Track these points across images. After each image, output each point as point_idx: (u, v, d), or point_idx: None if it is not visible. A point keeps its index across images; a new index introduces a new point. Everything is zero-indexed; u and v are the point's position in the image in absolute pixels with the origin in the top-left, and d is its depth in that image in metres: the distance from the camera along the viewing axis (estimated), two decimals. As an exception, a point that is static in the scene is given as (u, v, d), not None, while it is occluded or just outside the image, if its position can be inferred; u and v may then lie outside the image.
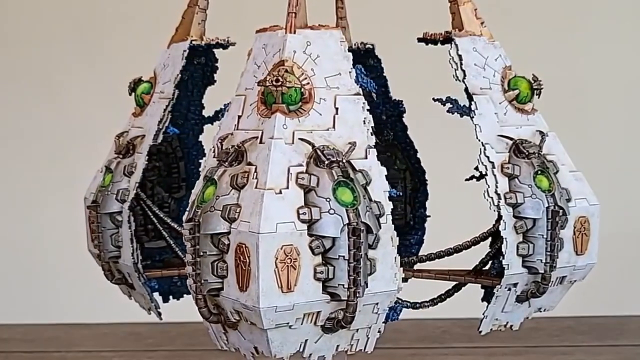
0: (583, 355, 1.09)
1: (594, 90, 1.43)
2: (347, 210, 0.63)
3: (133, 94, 0.83)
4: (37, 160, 1.41)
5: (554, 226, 0.72)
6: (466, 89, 0.74)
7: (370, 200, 0.65)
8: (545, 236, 0.72)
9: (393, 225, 0.66)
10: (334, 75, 0.68)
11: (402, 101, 0.88)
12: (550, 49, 1.40)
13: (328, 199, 0.62)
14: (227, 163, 0.65)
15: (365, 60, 0.88)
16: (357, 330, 0.67)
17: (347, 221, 0.62)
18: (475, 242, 0.79)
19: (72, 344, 1.16)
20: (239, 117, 0.68)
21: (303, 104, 0.65)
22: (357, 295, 0.63)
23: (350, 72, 0.68)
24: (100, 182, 0.79)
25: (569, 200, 0.74)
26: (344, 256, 0.62)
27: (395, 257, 0.66)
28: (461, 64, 0.74)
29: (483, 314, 0.73)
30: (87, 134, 1.37)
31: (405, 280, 0.84)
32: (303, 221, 0.62)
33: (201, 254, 0.64)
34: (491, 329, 0.75)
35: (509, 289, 0.73)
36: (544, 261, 0.72)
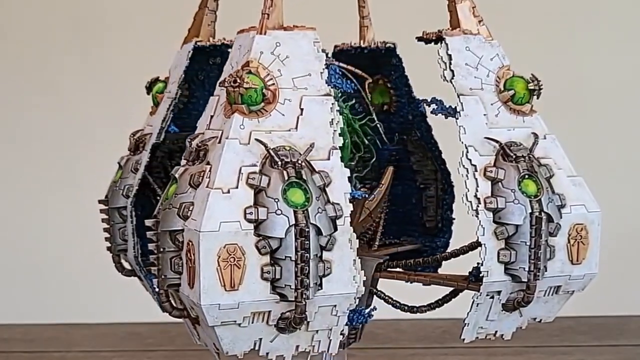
0: (583, 355, 1.08)
1: (598, 92, 1.40)
2: (295, 212, 0.62)
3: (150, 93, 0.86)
4: (37, 161, 1.41)
5: (538, 233, 0.69)
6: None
7: (327, 201, 0.64)
8: (528, 243, 0.69)
9: (352, 228, 0.65)
10: (303, 76, 0.68)
11: (420, 101, 0.87)
12: (555, 49, 1.38)
13: (276, 200, 0.63)
14: (189, 162, 0.66)
15: (388, 59, 0.87)
16: (317, 331, 0.67)
17: (294, 222, 0.62)
18: (472, 247, 0.77)
19: (72, 344, 1.17)
20: (211, 117, 0.69)
21: (266, 105, 0.66)
22: (304, 296, 0.63)
23: (321, 73, 0.68)
24: (113, 178, 0.83)
25: (562, 206, 0.71)
26: (290, 257, 0.62)
27: (355, 260, 0.65)
28: (450, 63, 0.72)
29: (464, 321, 0.71)
30: (87, 133, 1.38)
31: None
32: (249, 221, 0.62)
33: (161, 249, 0.66)
34: (477, 337, 0.73)
35: (492, 297, 0.71)
36: (527, 269, 0.69)
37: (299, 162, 0.64)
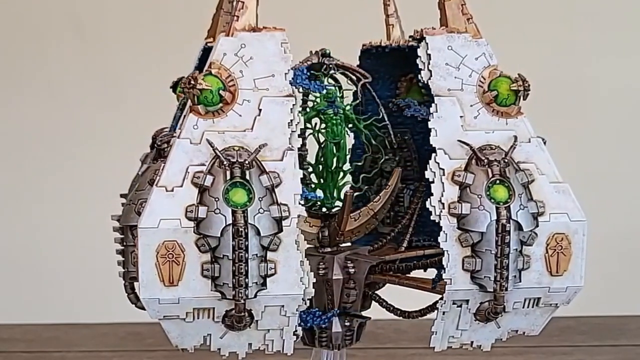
0: (583, 355, 1.09)
1: (600, 92, 1.40)
2: (234, 211, 0.63)
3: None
4: (38, 161, 1.41)
5: (504, 241, 0.66)
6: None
7: (274, 202, 0.65)
8: (494, 252, 0.66)
9: (298, 230, 0.65)
10: (266, 77, 0.68)
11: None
12: (555, 49, 1.37)
13: (217, 199, 0.64)
14: (153, 160, 0.69)
15: (414, 58, 0.86)
16: (269, 330, 0.67)
17: (231, 221, 0.63)
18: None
19: (72, 344, 1.17)
20: (184, 117, 0.71)
21: (224, 106, 0.67)
22: (241, 295, 0.63)
23: (286, 74, 0.68)
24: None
25: (540, 214, 0.67)
26: (228, 256, 0.63)
27: (302, 262, 0.65)
28: (429, 63, 0.70)
29: (431, 328, 0.69)
30: (85, 133, 1.38)
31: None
32: (190, 219, 0.64)
33: (124, 244, 0.69)
34: (450, 347, 0.70)
35: (460, 306, 0.68)
36: (492, 279, 0.66)
37: (247, 162, 0.65)
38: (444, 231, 0.66)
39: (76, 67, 1.42)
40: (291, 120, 0.68)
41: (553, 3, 1.39)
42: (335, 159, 0.78)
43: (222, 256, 0.63)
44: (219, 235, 0.63)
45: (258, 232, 0.64)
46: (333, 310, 0.73)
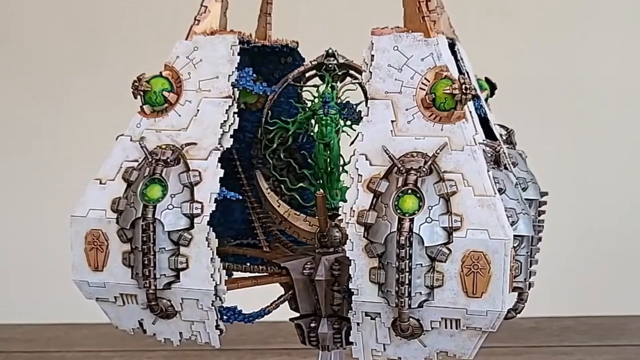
0: (583, 355, 1.10)
1: (598, 91, 1.38)
2: (145, 206, 0.67)
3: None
4: (36, 160, 1.41)
5: (402, 255, 0.62)
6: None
7: (189, 199, 0.67)
8: (394, 265, 0.62)
9: (209, 227, 0.67)
10: (210, 79, 0.71)
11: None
12: (555, 49, 1.35)
13: (134, 193, 0.68)
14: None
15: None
16: (193, 322, 0.70)
17: (139, 216, 0.67)
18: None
19: (72, 344, 1.18)
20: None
21: (168, 106, 0.71)
22: (150, 285, 0.67)
23: (230, 75, 0.70)
24: None
25: (455, 229, 0.62)
26: (138, 247, 0.67)
27: (212, 258, 0.67)
28: (371, 64, 0.68)
29: (349, 338, 0.67)
30: (83, 133, 1.38)
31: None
32: (113, 210, 0.69)
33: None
34: (377, 361, 0.68)
35: (373, 318, 0.65)
36: (393, 293, 0.63)
37: (169, 159, 0.68)
38: (350, 239, 0.64)
39: (72, 63, 1.43)
40: (225, 121, 0.69)
41: (553, 3, 1.37)
42: (326, 160, 0.77)
43: (134, 247, 0.68)
44: (128, 227, 0.67)
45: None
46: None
